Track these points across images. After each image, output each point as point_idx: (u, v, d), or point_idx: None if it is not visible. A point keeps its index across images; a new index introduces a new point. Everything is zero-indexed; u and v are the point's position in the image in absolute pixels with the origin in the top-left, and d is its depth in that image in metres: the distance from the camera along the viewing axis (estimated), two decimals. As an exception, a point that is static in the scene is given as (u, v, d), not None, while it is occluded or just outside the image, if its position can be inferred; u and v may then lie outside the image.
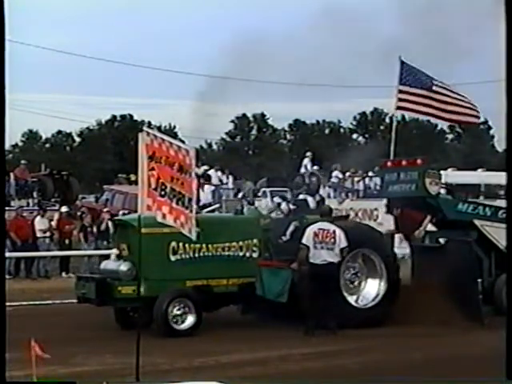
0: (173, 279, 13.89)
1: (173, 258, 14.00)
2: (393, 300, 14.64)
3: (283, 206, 15.89)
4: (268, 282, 14.14)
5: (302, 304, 13.66)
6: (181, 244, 13.93)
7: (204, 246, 14.15)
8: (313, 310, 13.56)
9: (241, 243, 14.49)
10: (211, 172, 32.05)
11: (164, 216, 9.95)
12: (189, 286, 13.99)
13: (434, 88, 21.37)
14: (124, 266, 13.78)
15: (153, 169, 9.75)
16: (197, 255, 14.14)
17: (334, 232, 13.96)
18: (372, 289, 14.76)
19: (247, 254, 14.52)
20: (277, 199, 16.44)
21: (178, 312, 13.51)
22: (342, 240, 13.92)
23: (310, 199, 16.42)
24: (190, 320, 13.55)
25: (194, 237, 10.49)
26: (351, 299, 14.56)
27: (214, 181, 31.42)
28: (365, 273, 14.77)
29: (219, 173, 32.70)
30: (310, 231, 14.00)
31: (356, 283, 14.73)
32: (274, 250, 14.67)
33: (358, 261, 14.76)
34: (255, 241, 14.61)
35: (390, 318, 14.33)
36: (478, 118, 22.62)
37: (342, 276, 14.40)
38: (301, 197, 16.44)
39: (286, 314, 13.98)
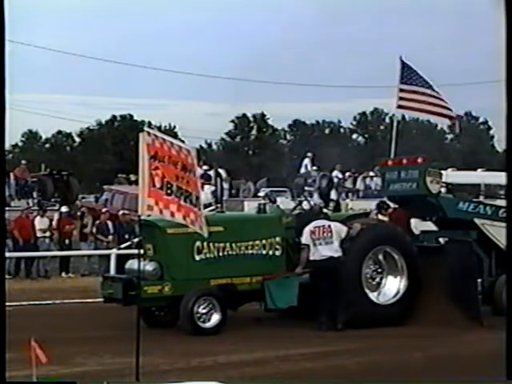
0: (198, 278, 13.97)
1: (197, 258, 14.05)
2: (413, 297, 14.67)
3: (304, 203, 15.90)
4: (277, 294, 14.18)
5: (319, 301, 13.86)
6: (205, 243, 13.96)
7: (228, 244, 14.24)
8: (330, 305, 13.80)
9: (264, 241, 14.55)
10: (211, 172, 32.00)
11: (172, 214, 9.86)
12: (213, 284, 14.06)
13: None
14: (150, 266, 13.82)
15: (157, 168, 9.65)
16: (221, 254, 14.20)
17: (330, 226, 14.18)
18: (392, 286, 14.80)
19: (270, 252, 14.57)
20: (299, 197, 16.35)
21: (204, 310, 13.61)
22: (339, 232, 14.11)
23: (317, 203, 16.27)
24: (216, 318, 13.67)
25: (205, 234, 10.52)
26: (372, 296, 14.60)
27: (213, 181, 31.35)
28: (386, 270, 14.81)
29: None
30: (306, 230, 14.20)
31: (377, 280, 14.77)
32: (295, 248, 14.71)
33: (379, 258, 14.79)
34: (278, 239, 14.67)
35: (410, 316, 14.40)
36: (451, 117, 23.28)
37: (362, 272, 14.46)
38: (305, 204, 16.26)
39: (303, 311, 14.15)
